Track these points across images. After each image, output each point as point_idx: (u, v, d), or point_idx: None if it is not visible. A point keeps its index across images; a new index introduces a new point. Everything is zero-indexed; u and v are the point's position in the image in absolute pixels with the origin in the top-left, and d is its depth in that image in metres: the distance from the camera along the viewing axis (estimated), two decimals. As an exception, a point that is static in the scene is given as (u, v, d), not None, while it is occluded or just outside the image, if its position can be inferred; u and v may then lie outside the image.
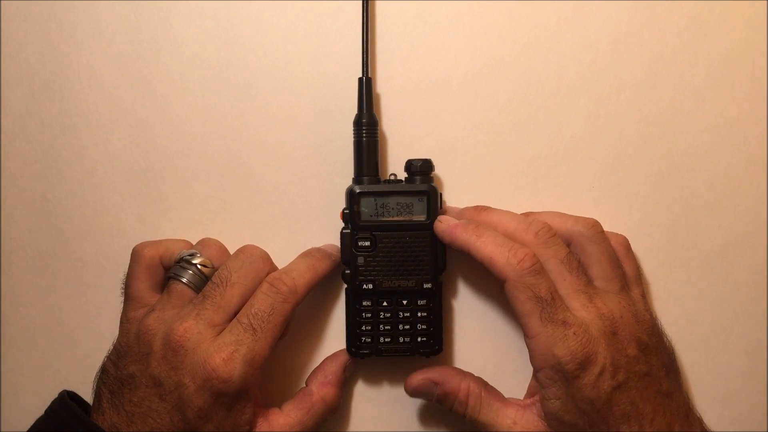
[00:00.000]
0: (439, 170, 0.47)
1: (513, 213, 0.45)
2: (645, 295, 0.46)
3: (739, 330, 0.48)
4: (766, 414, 0.48)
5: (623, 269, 0.45)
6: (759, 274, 0.48)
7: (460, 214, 0.46)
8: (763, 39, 0.47)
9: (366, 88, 0.46)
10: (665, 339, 0.45)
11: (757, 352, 0.48)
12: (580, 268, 0.43)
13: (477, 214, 0.45)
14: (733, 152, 0.48)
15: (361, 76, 0.46)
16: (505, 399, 0.45)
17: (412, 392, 0.45)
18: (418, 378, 0.45)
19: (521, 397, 0.46)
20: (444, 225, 0.44)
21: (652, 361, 0.42)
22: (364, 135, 0.45)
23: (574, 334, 0.40)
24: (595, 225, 0.45)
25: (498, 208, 0.46)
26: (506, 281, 0.41)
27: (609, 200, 0.48)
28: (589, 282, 0.43)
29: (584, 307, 0.42)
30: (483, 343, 0.48)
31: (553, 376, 0.41)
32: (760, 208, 0.48)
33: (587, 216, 0.45)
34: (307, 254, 0.46)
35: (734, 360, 0.48)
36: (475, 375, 0.46)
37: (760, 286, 0.48)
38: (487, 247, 0.42)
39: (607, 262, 0.44)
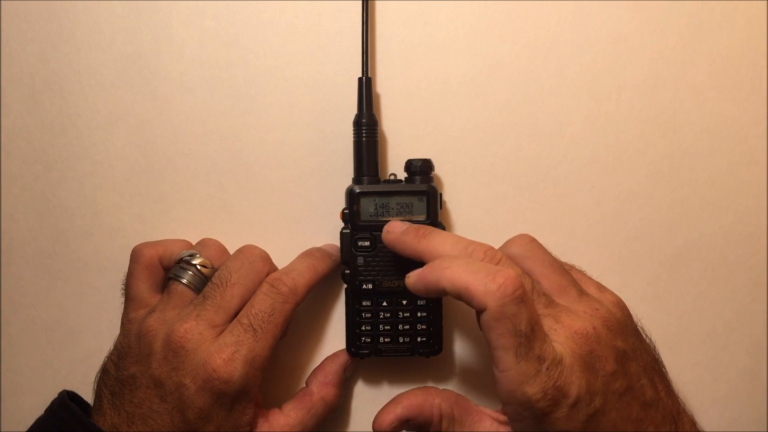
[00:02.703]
0: (439, 170, 0.47)
1: (455, 237, 0.41)
2: (603, 288, 0.43)
3: (739, 330, 0.48)
4: (766, 414, 0.48)
5: (572, 273, 0.42)
6: (759, 274, 0.48)
7: (402, 235, 0.42)
8: (763, 39, 0.47)
9: (366, 88, 0.46)
10: (641, 333, 0.42)
11: (757, 352, 0.48)
12: (534, 289, 0.39)
13: (417, 241, 0.41)
14: (733, 152, 0.48)
15: (361, 76, 0.46)
16: (479, 411, 0.43)
17: None
18: (388, 420, 0.43)
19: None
20: (414, 277, 0.39)
21: (631, 370, 0.39)
22: (364, 135, 0.45)
23: (547, 369, 0.36)
24: (521, 239, 0.42)
25: (446, 231, 0.42)
26: (485, 311, 0.36)
27: (609, 200, 0.48)
28: (549, 302, 0.39)
29: (552, 330, 0.38)
30: (483, 343, 0.48)
31: (522, 412, 0.37)
32: (760, 208, 0.48)
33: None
34: (308, 254, 0.46)
35: (734, 360, 0.48)
36: (442, 389, 0.44)
37: (760, 286, 0.48)
38: (461, 276, 0.37)
39: (552, 273, 0.41)
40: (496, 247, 0.42)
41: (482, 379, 0.49)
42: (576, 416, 0.37)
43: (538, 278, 0.41)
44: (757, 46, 0.47)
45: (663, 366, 0.42)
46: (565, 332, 0.38)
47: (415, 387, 0.45)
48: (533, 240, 0.42)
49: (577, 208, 0.48)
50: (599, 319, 0.39)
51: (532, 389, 0.36)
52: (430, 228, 0.42)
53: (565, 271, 0.42)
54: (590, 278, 0.44)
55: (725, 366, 0.48)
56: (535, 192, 0.48)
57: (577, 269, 0.45)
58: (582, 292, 0.41)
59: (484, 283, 0.36)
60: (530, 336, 0.37)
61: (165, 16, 0.48)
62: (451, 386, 0.49)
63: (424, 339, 0.46)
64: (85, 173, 0.49)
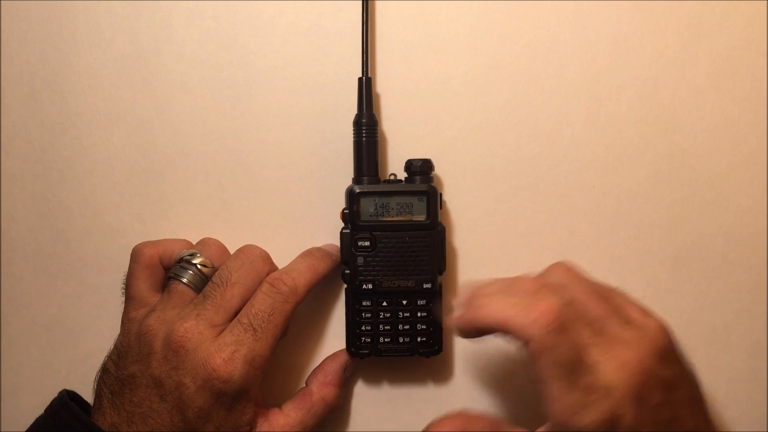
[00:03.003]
0: (439, 170, 0.47)
1: (496, 280, 0.40)
2: (647, 313, 0.40)
3: (739, 330, 0.48)
4: (766, 414, 0.48)
5: (615, 298, 0.41)
6: (759, 274, 0.48)
7: (459, 321, 0.40)
8: (763, 39, 0.47)
9: (366, 88, 0.46)
10: (683, 358, 0.41)
11: (757, 352, 0.48)
12: (578, 318, 0.38)
13: (470, 300, 0.39)
14: (733, 152, 0.48)
15: (361, 76, 0.46)
16: None
17: None
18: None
19: (522, 397, 0.45)
20: (455, 320, 0.39)
21: (676, 399, 0.38)
22: (364, 135, 0.45)
23: (598, 399, 0.35)
24: (560, 267, 0.41)
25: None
26: (529, 344, 0.36)
27: (609, 200, 0.48)
28: (594, 331, 0.38)
29: (600, 361, 0.36)
30: (483, 343, 0.48)
31: None
32: (760, 208, 0.48)
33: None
34: (308, 254, 0.46)
35: (734, 360, 0.48)
36: (477, 413, 0.42)
37: (760, 286, 0.48)
38: (499, 311, 0.37)
39: (594, 301, 0.39)
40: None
41: (482, 379, 0.49)
42: None
43: (580, 307, 0.39)
44: (757, 46, 0.47)
45: (702, 390, 0.41)
46: (613, 363, 0.36)
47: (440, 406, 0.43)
48: (572, 267, 0.41)
49: (577, 208, 0.48)
50: (645, 348, 0.38)
51: (584, 421, 0.35)
52: (475, 293, 0.39)
53: (607, 298, 0.40)
54: (633, 302, 0.42)
55: (725, 366, 0.48)
56: (535, 192, 0.48)
57: (618, 293, 0.42)
58: (627, 320, 0.39)
59: (524, 315, 0.36)
60: (577, 365, 0.36)
61: (165, 16, 0.48)
62: (451, 386, 0.49)
63: (424, 339, 0.46)
64: (85, 173, 0.49)
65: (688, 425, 0.38)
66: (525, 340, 0.36)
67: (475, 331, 0.38)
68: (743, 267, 0.48)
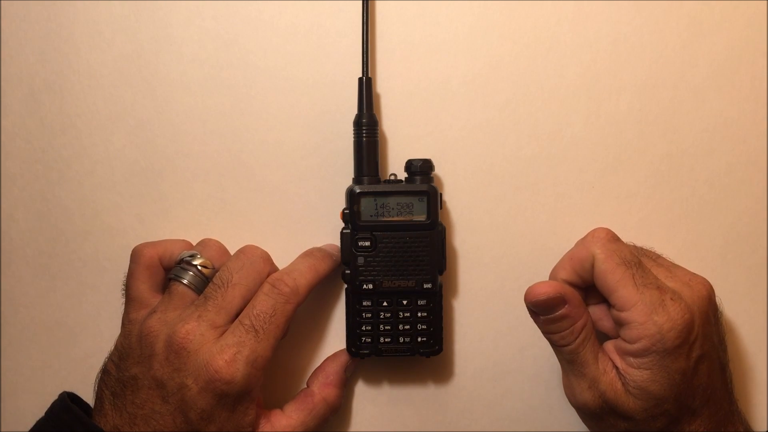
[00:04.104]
0: (439, 170, 0.47)
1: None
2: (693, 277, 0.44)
3: (739, 330, 0.48)
4: (767, 414, 0.48)
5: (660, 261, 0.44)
6: (759, 274, 0.48)
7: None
8: (763, 39, 0.47)
9: (366, 88, 0.46)
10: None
11: (757, 352, 0.48)
12: (639, 250, 0.44)
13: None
14: (733, 152, 0.48)
15: (361, 76, 0.46)
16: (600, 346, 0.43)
17: (541, 303, 0.41)
18: (552, 289, 0.41)
19: (522, 396, 0.46)
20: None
21: (714, 331, 0.42)
22: (364, 135, 0.45)
23: (671, 299, 0.39)
24: (596, 235, 0.43)
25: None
26: (596, 262, 0.41)
27: (609, 200, 0.48)
28: (656, 260, 0.44)
29: (668, 278, 0.41)
30: (483, 343, 0.48)
31: (649, 346, 0.39)
32: (760, 208, 0.48)
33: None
34: (308, 254, 0.46)
35: (734, 360, 0.48)
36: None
37: (760, 286, 0.48)
38: (564, 257, 0.43)
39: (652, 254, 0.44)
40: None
41: (482, 379, 0.49)
42: (692, 354, 0.39)
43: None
44: (757, 46, 0.47)
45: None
46: (679, 280, 0.41)
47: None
48: (607, 240, 0.43)
49: (577, 208, 0.48)
50: (709, 289, 0.42)
51: (662, 318, 0.39)
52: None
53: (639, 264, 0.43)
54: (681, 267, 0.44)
55: (725, 366, 0.48)
56: (535, 192, 0.48)
57: (664, 259, 0.45)
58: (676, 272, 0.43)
59: (582, 243, 0.42)
60: (640, 267, 0.41)
61: (165, 16, 0.48)
62: (451, 386, 0.49)
63: (425, 339, 0.46)
64: (85, 173, 0.49)
65: (722, 358, 0.42)
66: (591, 260, 0.41)
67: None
68: (742, 267, 0.48)
